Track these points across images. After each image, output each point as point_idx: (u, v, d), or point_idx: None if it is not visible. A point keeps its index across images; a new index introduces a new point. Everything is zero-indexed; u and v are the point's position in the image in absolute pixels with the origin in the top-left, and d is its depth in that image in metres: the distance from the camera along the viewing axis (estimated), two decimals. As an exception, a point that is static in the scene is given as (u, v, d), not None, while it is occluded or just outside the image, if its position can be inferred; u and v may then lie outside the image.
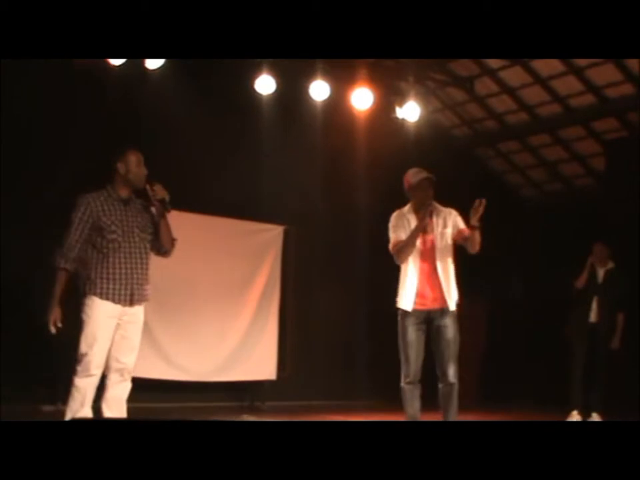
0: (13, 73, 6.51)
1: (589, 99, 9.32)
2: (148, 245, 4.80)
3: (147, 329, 7.83)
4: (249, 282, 8.74)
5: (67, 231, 4.61)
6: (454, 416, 5.25)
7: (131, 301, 4.65)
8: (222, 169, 8.59)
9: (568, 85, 9.24)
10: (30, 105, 7.06)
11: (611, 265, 7.95)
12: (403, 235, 5.27)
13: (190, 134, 8.25)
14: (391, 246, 5.34)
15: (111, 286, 4.59)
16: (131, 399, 7.07)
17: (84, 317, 4.59)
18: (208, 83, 8.03)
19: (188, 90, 7.88)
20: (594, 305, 7.80)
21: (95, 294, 4.58)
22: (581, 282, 7.84)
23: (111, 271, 4.60)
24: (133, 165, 4.68)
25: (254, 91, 8.36)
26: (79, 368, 4.57)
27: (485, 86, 9.81)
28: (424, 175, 5.30)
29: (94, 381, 4.59)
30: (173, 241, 4.92)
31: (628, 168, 9.34)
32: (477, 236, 5.18)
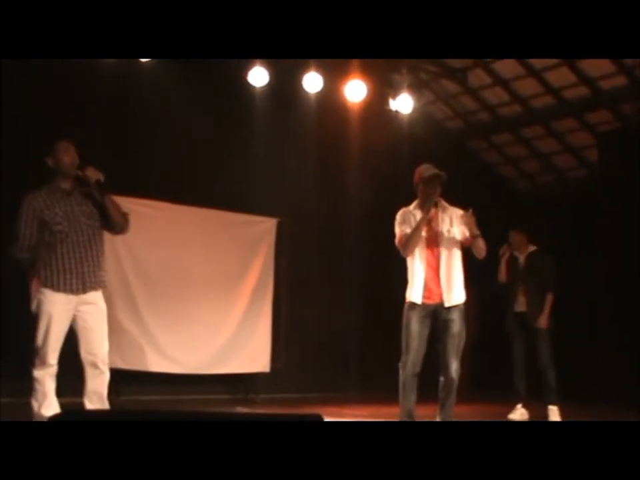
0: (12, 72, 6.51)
1: (582, 90, 9.32)
2: (97, 232, 4.83)
3: (140, 321, 7.91)
4: (242, 274, 8.74)
5: (18, 227, 4.66)
6: (450, 410, 5.31)
7: (83, 289, 4.70)
8: (215, 162, 8.59)
9: (561, 77, 9.24)
10: (26, 103, 7.06)
11: (531, 248, 7.83)
12: (409, 230, 5.35)
13: (182, 126, 8.23)
14: (397, 240, 5.41)
15: (61, 277, 4.65)
16: (124, 391, 7.11)
17: (36, 309, 4.65)
18: (201, 75, 8.01)
19: (180, 83, 7.86)
20: (519, 295, 7.69)
21: (46, 286, 4.64)
22: (502, 275, 7.76)
23: (60, 262, 4.66)
24: (61, 154, 4.73)
25: (247, 83, 8.35)
26: (37, 360, 4.63)
27: (478, 78, 9.81)
28: (436, 170, 5.37)
29: (52, 371, 4.65)
30: (124, 215, 4.94)
31: (621, 160, 9.36)
32: (480, 243, 5.34)
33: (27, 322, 4.75)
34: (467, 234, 5.36)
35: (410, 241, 5.29)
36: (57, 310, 4.63)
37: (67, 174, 4.74)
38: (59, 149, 4.72)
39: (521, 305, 7.72)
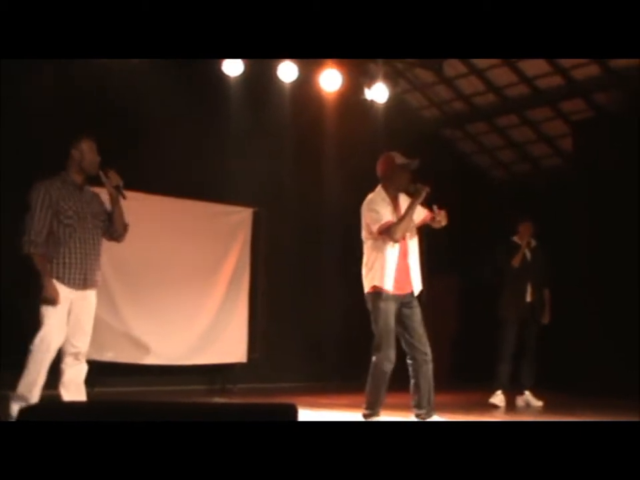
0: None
1: (556, 80, 9.38)
2: (100, 232, 4.92)
3: (116, 312, 7.87)
4: (218, 264, 8.72)
5: (30, 217, 4.66)
6: (432, 394, 5.29)
7: (84, 285, 4.76)
8: (191, 152, 8.55)
9: (535, 66, 9.28)
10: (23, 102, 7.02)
11: (534, 242, 8.02)
12: (388, 215, 5.24)
13: (158, 117, 8.16)
14: (379, 225, 5.21)
15: (66, 270, 4.69)
16: (101, 383, 7.06)
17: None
18: (175, 66, 7.94)
19: (154, 73, 7.79)
20: (528, 285, 7.84)
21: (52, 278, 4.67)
22: (517, 261, 7.84)
23: (67, 256, 4.70)
24: (87, 151, 4.80)
25: (221, 73, 8.31)
26: (36, 346, 4.61)
27: (453, 67, 9.83)
28: (409, 160, 5.35)
29: (48, 359, 4.65)
30: (125, 226, 5.06)
31: (595, 148, 9.42)
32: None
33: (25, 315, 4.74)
34: (423, 215, 5.39)
35: (402, 225, 5.18)
36: (60, 301, 4.66)
37: (90, 172, 4.84)
38: (86, 146, 4.80)
39: (529, 296, 7.86)
